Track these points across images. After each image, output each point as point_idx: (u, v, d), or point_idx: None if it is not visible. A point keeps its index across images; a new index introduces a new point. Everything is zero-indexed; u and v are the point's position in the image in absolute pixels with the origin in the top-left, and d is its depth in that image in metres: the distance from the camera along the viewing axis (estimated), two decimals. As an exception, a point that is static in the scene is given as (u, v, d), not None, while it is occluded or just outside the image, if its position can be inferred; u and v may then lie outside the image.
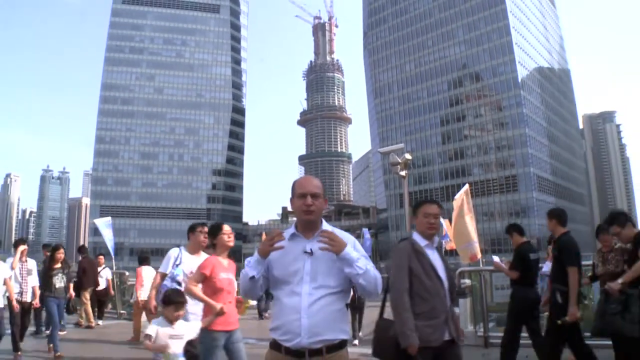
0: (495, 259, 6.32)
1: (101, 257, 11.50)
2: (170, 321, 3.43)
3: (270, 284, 2.45)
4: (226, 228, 4.13)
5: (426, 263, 3.17)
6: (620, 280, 4.47)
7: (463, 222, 9.05)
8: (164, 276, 4.57)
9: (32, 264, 7.22)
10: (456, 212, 9.24)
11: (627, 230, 4.78)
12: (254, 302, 10.99)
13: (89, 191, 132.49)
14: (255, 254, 2.40)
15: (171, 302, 3.46)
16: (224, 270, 3.95)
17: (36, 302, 7.01)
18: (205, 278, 3.83)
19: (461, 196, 9.28)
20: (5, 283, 6.27)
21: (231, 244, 4.10)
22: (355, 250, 2.41)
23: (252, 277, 2.38)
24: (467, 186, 9.74)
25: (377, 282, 2.37)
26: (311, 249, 2.36)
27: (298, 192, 2.43)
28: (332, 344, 2.29)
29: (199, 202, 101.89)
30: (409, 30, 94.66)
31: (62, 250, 7.42)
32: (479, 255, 8.92)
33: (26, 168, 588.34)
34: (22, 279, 6.93)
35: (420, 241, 3.26)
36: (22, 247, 6.99)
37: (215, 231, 4.12)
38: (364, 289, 2.35)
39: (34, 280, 7.06)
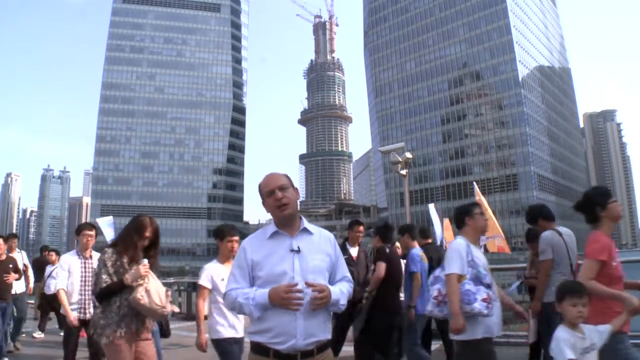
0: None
1: (52, 253, 10.18)
2: (573, 325, 2.75)
3: (256, 286, 2.31)
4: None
5: None
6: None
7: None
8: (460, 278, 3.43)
9: None
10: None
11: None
12: None
13: (89, 190, 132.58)
14: (264, 297, 2.19)
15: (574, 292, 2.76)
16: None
17: None
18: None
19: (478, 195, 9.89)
20: None
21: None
22: (335, 252, 2.41)
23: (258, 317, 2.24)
24: (475, 185, 10.20)
25: (349, 298, 2.42)
26: (298, 247, 2.29)
27: (265, 192, 2.37)
28: (323, 344, 2.26)
29: (200, 201, 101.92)
30: (409, 29, 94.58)
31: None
32: (507, 249, 9.43)
33: (27, 167, 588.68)
34: None
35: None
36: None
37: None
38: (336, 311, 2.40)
39: None
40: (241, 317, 3.95)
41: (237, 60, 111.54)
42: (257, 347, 2.25)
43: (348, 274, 2.45)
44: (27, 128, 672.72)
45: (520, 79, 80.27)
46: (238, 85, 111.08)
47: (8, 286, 6.41)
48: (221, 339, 3.91)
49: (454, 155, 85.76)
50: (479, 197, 9.91)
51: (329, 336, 2.32)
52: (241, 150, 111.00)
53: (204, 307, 3.93)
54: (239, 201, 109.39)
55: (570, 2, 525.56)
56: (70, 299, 4.97)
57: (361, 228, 6.19)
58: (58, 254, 9.61)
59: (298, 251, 2.28)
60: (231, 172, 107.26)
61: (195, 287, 9.49)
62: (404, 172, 14.06)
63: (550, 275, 4.50)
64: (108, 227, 14.21)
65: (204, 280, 3.96)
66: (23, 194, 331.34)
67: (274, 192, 2.33)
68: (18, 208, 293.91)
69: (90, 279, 5.04)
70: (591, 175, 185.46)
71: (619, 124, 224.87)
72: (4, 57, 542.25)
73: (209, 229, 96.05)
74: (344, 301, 2.31)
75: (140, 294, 3.30)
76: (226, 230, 4.16)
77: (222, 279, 3.90)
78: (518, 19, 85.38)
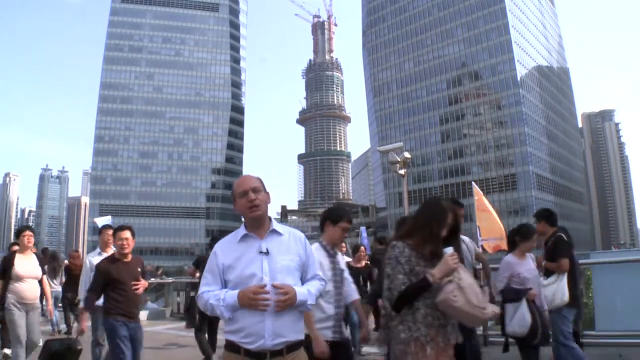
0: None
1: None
2: None
3: (227, 288, 2.37)
4: None
5: None
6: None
7: (486, 217, 9.76)
8: None
9: None
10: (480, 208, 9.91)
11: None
12: None
13: (88, 190, 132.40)
14: (233, 298, 2.26)
15: None
16: None
17: None
18: None
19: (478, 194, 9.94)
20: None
21: None
22: (305, 251, 2.46)
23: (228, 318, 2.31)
24: (474, 185, 10.19)
25: (320, 297, 2.54)
26: (267, 249, 2.34)
27: (238, 192, 2.42)
28: (292, 344, 2.30)
29: (199, 201, 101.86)
30: (408, 29, 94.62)
31: None
32: (504, 246, 9.44)
33: (25, 167, 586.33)
34: None
35: None
36: None
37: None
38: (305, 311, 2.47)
39: None
40: None
41: (236, 60, 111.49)
42: (230, 346, 2.32)
43: (320, 273, 2.54)
44: (26, 128, 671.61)
45: (518, 79, 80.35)
46: (237, 85, 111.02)
47: (138, 299, 4.74)
48: None
49: (453, 155, 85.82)
50: (479, 197, 9.87)
51: (300, 337, 2.38)
52: (240, 150, 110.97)
53: None
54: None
55: (569, 1, 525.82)
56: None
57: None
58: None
59: (267, 253, 2.33)
60: (230, 172, 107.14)
61: (194, 287, 9.49)
62: (402, 171, 14.07)
63: None
64: (106, 227, 14.16)
65: None
66: (21, 194, 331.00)
67: (247, 193, 2.38)
68: (16, 208, 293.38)
69: None
70: (589, 175, 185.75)
71: (617, 124, 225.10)
72: (3, 57, 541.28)
73: (208, 228, 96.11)
74: (312, 301, 2.37)
75: (452, 294, 2.60)
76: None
77: None
78: (516, 19, 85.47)
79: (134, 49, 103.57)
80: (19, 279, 5.29)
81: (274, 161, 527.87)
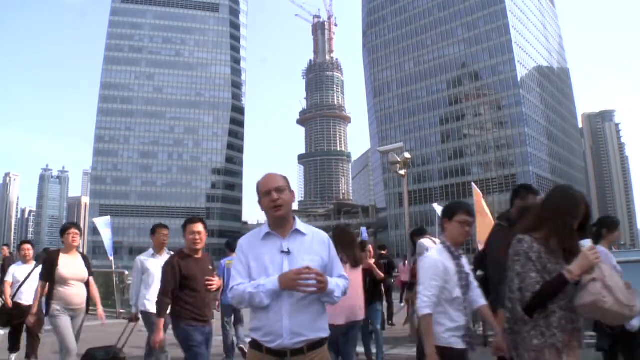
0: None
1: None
2: None
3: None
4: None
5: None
6: None
7: (482, 220, 9.71)
8: None
9: None
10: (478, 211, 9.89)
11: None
12: None
13: (88, 190, 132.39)
14: (274, 283, 2.25)
15: None
16: None
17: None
18: None
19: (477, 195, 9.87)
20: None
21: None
22: (329, 253, 2.46)
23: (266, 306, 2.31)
24: (474, 186, 10.16)
25: (344, 295, 2.46)
26: (288, 248, 2.35)
27: (263, 191, 2.43)
28: (313, 343, 2.31)
29: (199, 201, 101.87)
30: (408, 29, 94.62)
31: None
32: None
33: (25, 167, 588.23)
34: None
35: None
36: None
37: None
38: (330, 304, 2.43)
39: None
40: None
41: (236, 60, 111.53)
42: (253, 343, 2.37)
43: (344, 274, 2.50)
44: (26, 128, 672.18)
45: (519, 79, 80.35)
46: (237, 85, 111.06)
47: (209, 299, 4.40)
48: None
49: (453, 156, 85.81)
50: (478, 199, 9.84)
51: (321, 335, 2.35)
52: (240, 150, 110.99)
53: None
54: (238, 201, 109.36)
55: (569, 2, 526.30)
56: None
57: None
58: None
59: (288, 252, 2.34)
60: (230, 172, 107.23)
61: None
62: (402, 172, 14.06)
63: None
64: (106, 227, 14.20)
65: None
66: (22, 194, 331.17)
67: (270, 193, 2.39)
68: (17, 208, 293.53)
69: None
70: (590, 176, 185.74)
71: (617, 125, 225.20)
72: (4, 57, 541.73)
73: (208, 229, 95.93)
74: (338, 294, 2.36)
75: (602, 295, 2.27)
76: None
77: None
78: (517, 19, 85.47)
79: (134, 49, 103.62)
80: (64, 281, 4.73)
81: (274, 161, 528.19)
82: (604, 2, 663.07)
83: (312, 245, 2.42)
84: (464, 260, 3.06)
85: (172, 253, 4.84)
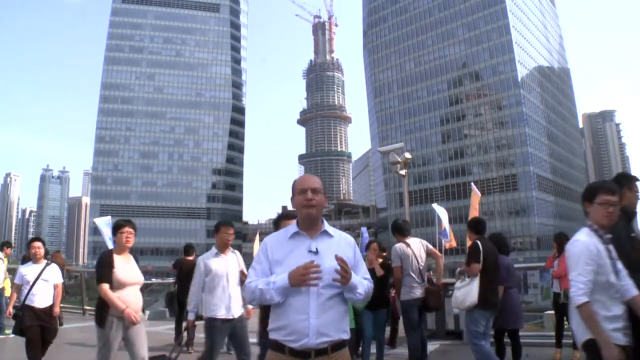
0: None
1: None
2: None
3: None
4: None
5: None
6: None
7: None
8: None
9: None
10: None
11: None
12: None
13: (88, 190, 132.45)
14: (284, 280, 2.27)
15: None
16: None
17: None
18: None
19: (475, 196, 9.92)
20: None
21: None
22: (355, 255, 2.47)
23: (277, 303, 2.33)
24: (473, 186, 10.17)
25: (368, 297, 2.44)
26: (316, 248, 2.37)
27: (299, 189, 2.46)
28: (336, 343, 2.31)
29: (199, 201, 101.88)
30: (408, 29, 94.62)
31: None
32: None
33: (26, 167, 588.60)
34: None
35: None
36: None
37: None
38: (353, 301, 2.40)
39: None
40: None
41: (237, 61, 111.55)
42: (274, 344, 2.34)
43: (369, 277, 2.51)
44: (27, 128, 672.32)
45: (519, 79, 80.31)
46: (237, 85, 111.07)
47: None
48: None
49: (454, 156, 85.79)
50: (474, 200, 9.89)
51: (344, 336, 2.35)
52: (240, 150, 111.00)
53: None
54: (239, 201, 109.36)
55: (570, 2, 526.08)
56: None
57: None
58: None
59: (316, 252, 2.36)
60: (230, 172, 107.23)
61: (175, 283, 9.62)
62: (403, 172, 14.04)
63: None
64: (106, 227, 14.20)
65: None
66: (22, 194, 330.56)
67: (306, 191, 2.43)
68: (17, 208, 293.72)
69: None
70: (590, 176, 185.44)
71: (618, 125, 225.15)
72: (4, 57, 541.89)
73: (208, 229, 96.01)
74: (361, 290, 2.35)
75: None
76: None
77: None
78: (517, 19, 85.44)
79: (134, 49, 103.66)
80: (122, 286, 4.24)
81: (275, 162, 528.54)
82: (604, 2, 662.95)
83: (340, 246, 2.44)
84: (612, 246, 2.81)
85: (236, 252, 4.92)
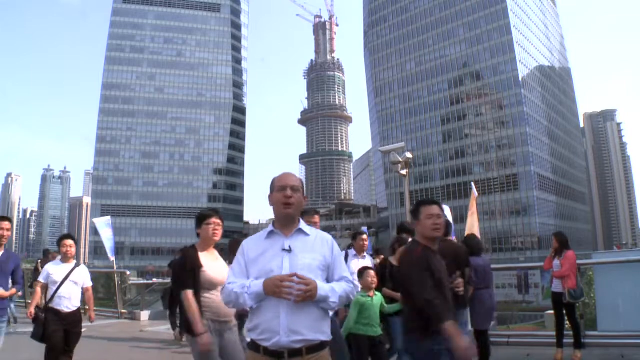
0: None
1: None
2: None
3: None
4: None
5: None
6: None
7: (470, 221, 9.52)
8: None
9: None
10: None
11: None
12: None
13: (89, 190, 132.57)
14: (258, 287, 2.25)
15: None
16: None
17: None
18: None
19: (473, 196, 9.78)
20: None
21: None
22: (332, 254, 2.43)
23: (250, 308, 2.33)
24: (473, 185, 10.07)
25: (349, 299, 2.42)
26: (290, 246, 2.35)
27: (278, 186, 2.45)
28: (312, 345, 2.26)
29: (200, 201, 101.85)
30: (409, 29, 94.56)
31: None
32: None
33: (27, 168, 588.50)
34: None
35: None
36: None
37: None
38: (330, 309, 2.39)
39: None
40: None
41: (237, 61, 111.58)
42: (251, 344, 2.34)
43: (348, 275, 2.46)
44: (27, 128, 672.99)
45: (520, 79, 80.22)
46: (238, 85, 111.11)
47: None
48: None
49: (454, 155, 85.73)
50: (472, 200, 9.81)
51: (322, 337, 2.30)
52: (241, 150, 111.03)
53: None
54: (239, 201, 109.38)
55: (570, 1, 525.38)
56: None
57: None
58: None
59: (289, 250, 2.34)
60: (231, 172, 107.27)
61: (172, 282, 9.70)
62: (404, 172, 14.06)
63: None
64: (106, 227, 14.21)
65: None
66: (23, 194, 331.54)
67: (285, 189, 2.42)
68: (18, 208, 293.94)
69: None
70: (591, 175, 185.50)
71: (619, 124, 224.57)
72: (4, 57, 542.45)
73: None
74: (334, 299, 2.30)
75: None
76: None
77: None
78: (518, 19, 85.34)
79: (135, 49, 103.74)
80: (212, 286, 3.52)
81: (276, 161, 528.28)
82: (605, 1, 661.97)
83: (315, 244, 2.42)
84: None
85: None
